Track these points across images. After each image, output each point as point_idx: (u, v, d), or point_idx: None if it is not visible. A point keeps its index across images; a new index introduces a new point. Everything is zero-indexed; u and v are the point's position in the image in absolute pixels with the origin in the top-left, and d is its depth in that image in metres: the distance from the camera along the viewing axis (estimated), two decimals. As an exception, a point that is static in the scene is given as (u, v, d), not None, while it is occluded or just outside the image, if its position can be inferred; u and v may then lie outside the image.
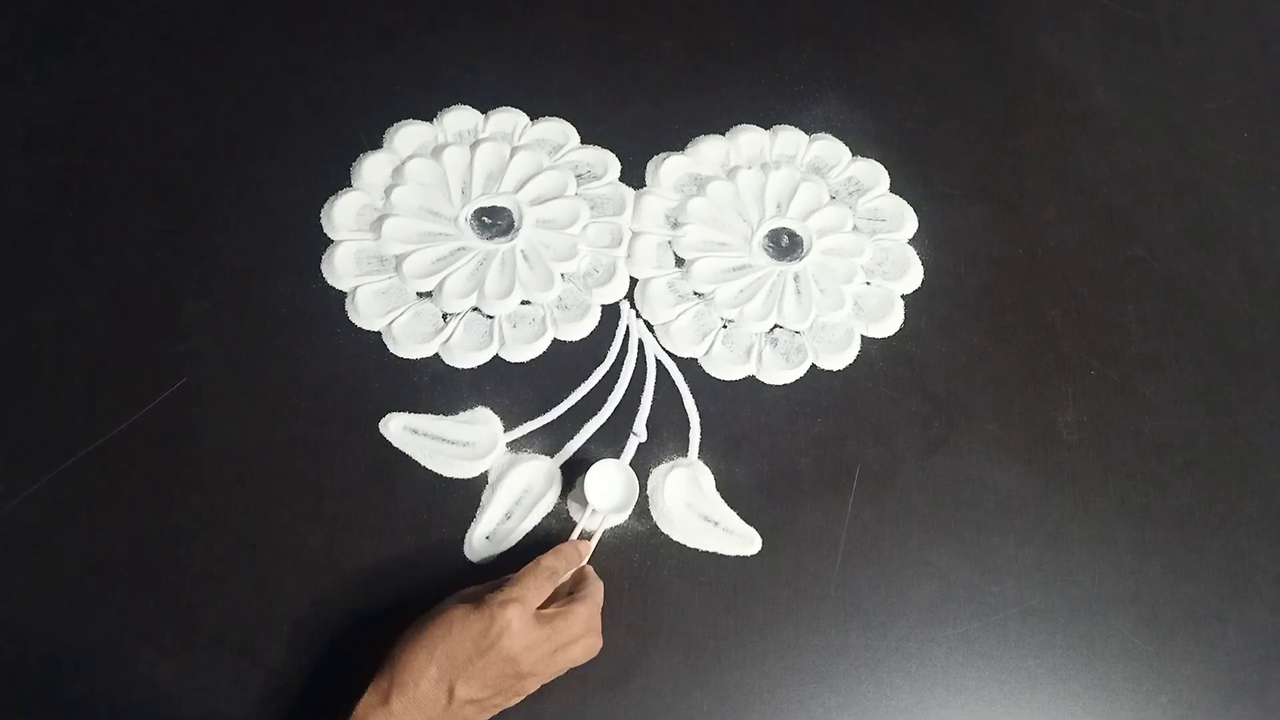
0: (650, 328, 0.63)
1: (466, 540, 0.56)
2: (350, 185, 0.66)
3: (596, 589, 0.52)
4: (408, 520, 0.57)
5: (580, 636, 0.50)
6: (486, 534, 0.56)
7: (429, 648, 0.46)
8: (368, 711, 0.45)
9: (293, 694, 0.52)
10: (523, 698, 0.50)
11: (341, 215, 0.65)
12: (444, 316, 0.62)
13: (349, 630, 0.54)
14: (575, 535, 0.55)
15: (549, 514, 0.57)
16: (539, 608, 0.49)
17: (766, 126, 0.70)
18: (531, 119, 0.69)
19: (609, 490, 0.56)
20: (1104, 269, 0.66)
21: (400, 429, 0.59)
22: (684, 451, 0.59)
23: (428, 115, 0.69)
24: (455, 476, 0.58)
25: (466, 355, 0.61)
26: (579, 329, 0.63)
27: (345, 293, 0.63)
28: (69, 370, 0.60)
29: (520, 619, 0.47)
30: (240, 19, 0.73)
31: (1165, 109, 0.73)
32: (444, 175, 0.66)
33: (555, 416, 0.60)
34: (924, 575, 0.57)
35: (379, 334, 0.62)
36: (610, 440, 0.60)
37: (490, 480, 0.58)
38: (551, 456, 0.59)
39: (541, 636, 0.48)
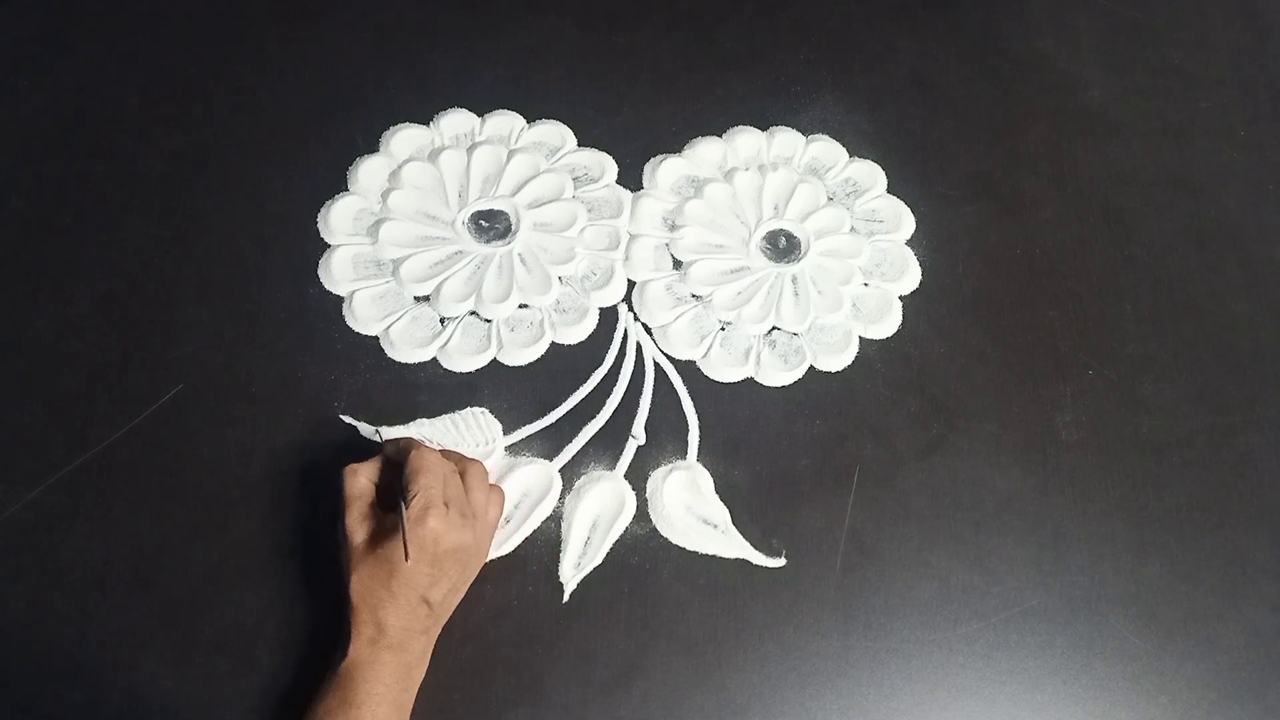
0: (648, 330, 0.63)
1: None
2: (347, 189, 0.66)
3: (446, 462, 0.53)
4: (407, 525, 0.56)
5: (488, 499, 0.53)
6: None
7: (386, 586, 0.49)
8: (365, 649, 0.48)
9: (292, 701, 0.52)
10: (487, 557, 0.54)
11: (338, 219, 0.65)
12: (441, 320, 0.62)
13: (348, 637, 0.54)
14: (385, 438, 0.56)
15: (548, 517, 0.57)
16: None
17: (763, 128, 0.70)
18: (528, 122, 0.69)
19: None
20: (1102, 269, 0.66)
21: (398, 434, 0.59)
22: (683, 454, 0.59)
23: (424, 118, 0.69)
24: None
25: (464, 359, 0.61)
26: (577, 332, 0.62)
27: (342, 297, 0.63)
28: (66, 376, 0.60)
29: (440, 522, 0.49)
30: (235, 23, 0.72)
31: (1162, 108, 0.73)
32: (441, 179, 0.66)
33: (553, 420, 0.60)
34: (924, 576, 0.57)
35: (376, 338, 0.62)
36: (609, 443, 0.59)
37: (489, 484, 0.58)
38: (550, 460, 0.59)
39: (464, 522, 0.50)
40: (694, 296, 0.64)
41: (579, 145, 0.69)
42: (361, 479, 0.52)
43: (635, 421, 0.60)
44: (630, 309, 0.64)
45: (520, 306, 0.63)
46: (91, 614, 0.54)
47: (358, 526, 0.50)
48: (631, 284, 0.64)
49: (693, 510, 0.58)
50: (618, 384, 0.61)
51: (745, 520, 0.58)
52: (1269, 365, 0.64)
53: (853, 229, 0.67)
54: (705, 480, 0.59)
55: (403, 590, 0.48)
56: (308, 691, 0.52)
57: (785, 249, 0.66)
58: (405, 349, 0.61)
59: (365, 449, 0.58)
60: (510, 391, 0.61)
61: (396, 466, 0.53)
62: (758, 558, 0.57)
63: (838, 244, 0.66)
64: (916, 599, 0.56)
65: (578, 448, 0.59)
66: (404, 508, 0.49)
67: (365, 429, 0.59)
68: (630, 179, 0.68)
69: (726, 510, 0.58)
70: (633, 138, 0.69)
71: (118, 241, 0.64)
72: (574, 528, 0.57)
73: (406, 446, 0.53)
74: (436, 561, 0.49)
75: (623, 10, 0.74)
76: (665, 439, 0.60)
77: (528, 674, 0.54)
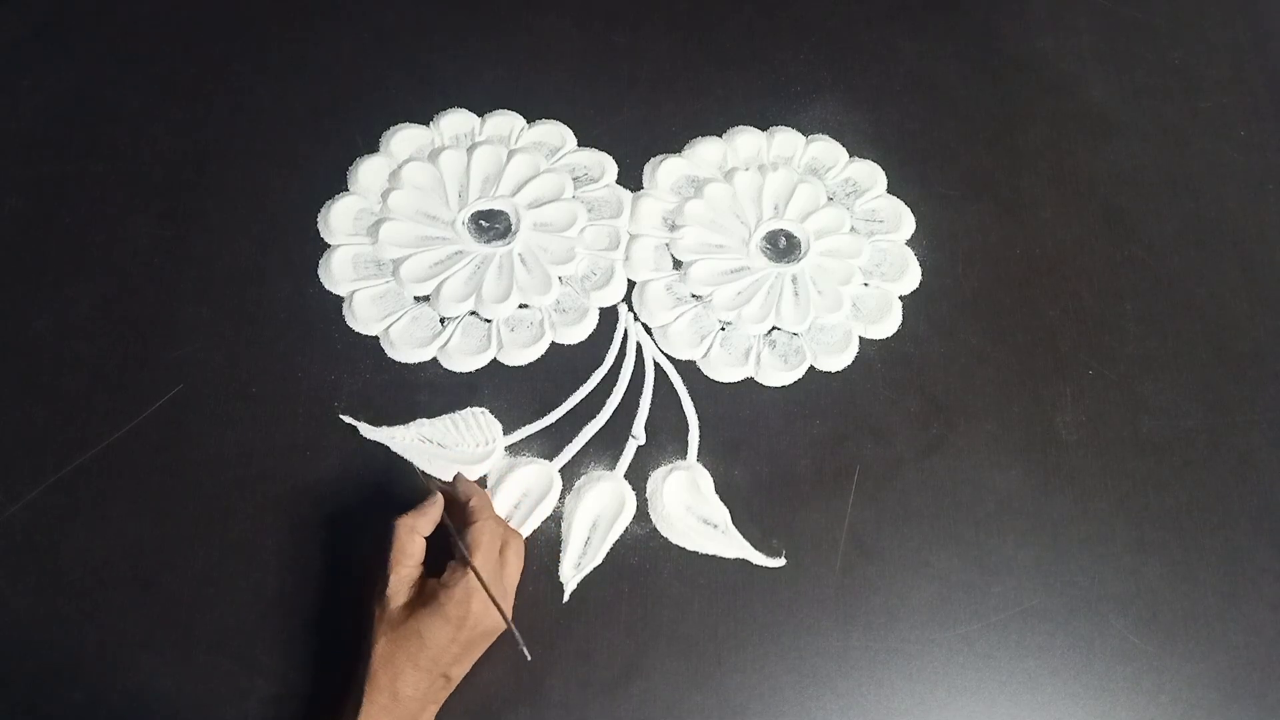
0: (648, 330, 0.63)
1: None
2: (347, 189, 0.66)
3: (487, 509, 0.52)
4: (407, 525, 0.56)
5: (513, 558, 0.53)
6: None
7: (412, 659, 0.47)
8: (377, 718, 0.47)
9: (292, 702, 0.52)
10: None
11: (338, 219, 0.65)
12: (441, 320, 0.62)
13: (349, 637, 0.54)
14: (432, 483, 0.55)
15: (548, 517, 0.57)
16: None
17: (763, 128, 0.70)
18: (528, 122, 0.69)
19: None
20: (1102, 269, 0.66)
21: (399, 434, 0.59)
22: (683, 454, 0.59)
23: (424, 118, 0.69)
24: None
25: (464, 359, 0.61)
26: (577, 332, 0.62)
27: (342, 297, 0.63)
28: (66, 376, 0.60)
29: (483, 606, 0.49)
30: (236, 23, 0.73)
31: (1162, 108, 0.73)
32: (441, 179, 0.66)
33: (554, 420, 0.60)
34: (924, 576, 0.57)
35: (376, 338, 0.62)
36: (609, 443, 0.59)
37: (489, 484, 0.58)
38: (550, 460, 0.59)
39: (497, 593, 0.49)
40: (694, 296, 0.64)
41: (579, 145, 0.69)
42: (418, 539, 0.50)
43: (635, 421, 0.60)
44: (630, 309, 0.64)
45: (520, 306, 0.63)
46: (91, 614, 0.54)
47: (401, 589, 0.49)
48: (631, 284, 0.64)
49: (693, 510, 0.58)
50: (618, 384, 0.61)
51: (745, 520, 0.58)
52: (1269, 365, 0.64)
53: (853, 229, 0.67)
54: (705, 480, 0.59)
55: (428, 665, 0.48)
56: (307, 693, 0.52)
57: (785, 249, 0.66)
58: (405, 349, 0.61)
59: (366, 449, 0.58)
60: (510, 391, 0.61)
61: (453, 504, 0.52)
62: (758, 558, 0.57)
63: (838, 244, 0.66)
64: (916, 599, 0.56)
65: (578, 448, 0.59)
66: (469, 560, 0.48)
67: (366, 429, 0.59)
68: (630, 179, 0.68)
69: (726, 510, 0.58)
70: (633, 138, 0.69)
71: (118, 241, 0.64)
72: (574, 528, 0.57)
73: (470, 498, 0.51)
74: (470, 643, 0.49)
75: (623, 10, 0.74)
76: (665, 439, 0.60)
77: (528, 674, 0.53)
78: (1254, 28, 0.77)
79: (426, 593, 0.49)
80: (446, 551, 0.51)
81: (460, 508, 0.52)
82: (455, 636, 0.48)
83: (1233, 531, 0.59)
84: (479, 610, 0.48)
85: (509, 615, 0.50)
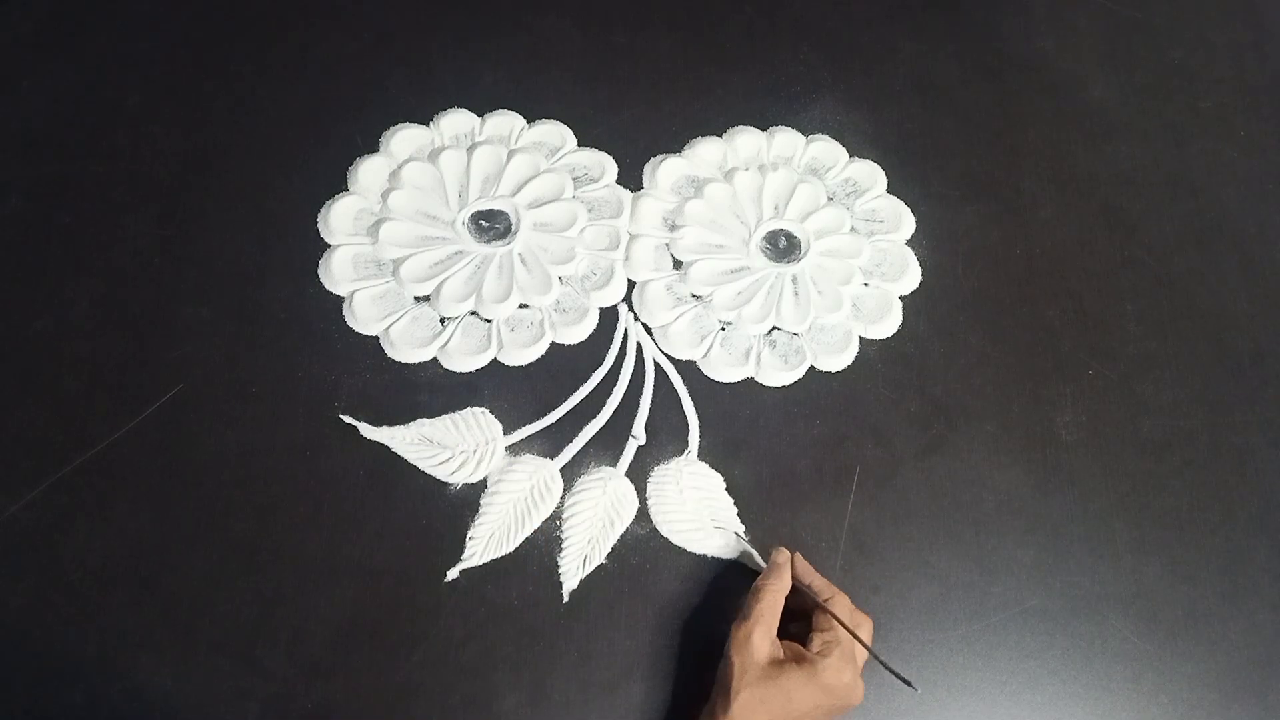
0: (648, 330, 0.63)
1: (467, 542, 0.56)
2: (347, 189, 0.66)
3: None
4: (407, 525, 0.57)
5: (864, 637, 0.52)
6: (486, 538, 0.56)
7: (769, 713, 0.47)
8: None
9: (292, 702, 0.52)
10: None
11: (338, 219, 0.65)
12: (442, 320, 0.62)
13: (349, 636, 0.54)
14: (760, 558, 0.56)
15: (548, 517, 0.57)
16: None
17: (763, 128, 0.70)
18: (528, 122, 0.69)
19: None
20: (1102, 269, 0.66)
21: (399, 434, 0.59)
22: (683, 454, 0.59)
23: (424, 118, 0.69)
24: (454, 480, 0.58)
25: (464, 359, 0.61)
26: (577, 332, 0.62)
27: (342, 297, 0.63)
28: (66, 376, 0.60)
29: (853, 676, 0.49)
30: (235, 22, 0.72)
31: (1162, 108, 0.73)
32: (441, 179, 0.66)
33: (554, 420, 0.60)
34: (924, 576, 0.57)
35: (377, 338, 0.62)
36: (609, 443, 0.59)
37: (489, 484, 0.58)
38: (551, 459, 0.59)
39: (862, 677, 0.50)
40: (694, 296, 0.64)
41: (579, 145, 0.69)
42: (779, 597, 0.51)
43: (635, 421, 0.60)
44: (630, 309, 0.64)
45: (520, 306, 0.63)
46: (91, 614, 0.54)
47: (763, 643, 0.49)
48: (631, 284, 0.64)
49: (694, 510, 0.58)
50: (618, 384, 0.61)
51: (745, 520, 0.58)
52: (1269, 365, 0.64)
53: (853, 229, 0.67)
54: (706, 480, 0.59)
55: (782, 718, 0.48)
56: (308, 693, 0.52)
57: (785, 249, 0.66)
58: (405, 349, 0.61)
59: (363, 454, 0.58)
60: (510, 391, 0.61)
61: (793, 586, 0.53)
62: (758, 558, 0.57)
63: (838, 244, 0.66)
64: (916, 599, 0.56)
65: (578, 448, 0.59)
66: (853, 631, 0.50)
67: (366, 429, 0.59)
68: (630, 179, 0.68)
69: (727, 510, 0.58)
70: (633, 138, 0.69)
71: (118, 241, 0.64)
72: (574, 527, 0.57)
73: (805, 579, 0.53)
74: (831, 711, 0.49)
75: (623, 10, 0.74)
76: (666, 439, 0.60)
77: (528, 674, 0.54)
78: (1254, 28, 0.77)
79: (794, 654, 0.50)
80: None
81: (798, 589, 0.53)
82: (821, 704, 0.48)
83: (1233, 531, 0.59)
84: (850, 683, 0.49)
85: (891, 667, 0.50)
